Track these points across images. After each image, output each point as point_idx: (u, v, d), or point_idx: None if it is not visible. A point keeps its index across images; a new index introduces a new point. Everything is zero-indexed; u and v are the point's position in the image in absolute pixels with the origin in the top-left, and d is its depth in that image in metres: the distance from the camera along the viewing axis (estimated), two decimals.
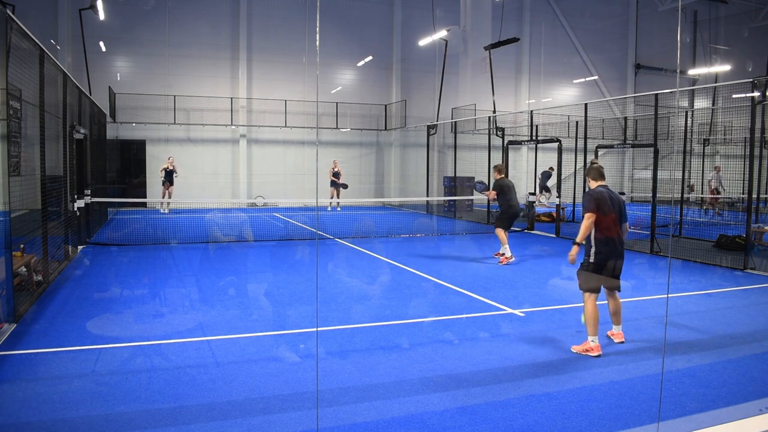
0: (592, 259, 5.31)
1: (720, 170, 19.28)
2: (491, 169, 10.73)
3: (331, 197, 20.38)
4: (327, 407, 3.99)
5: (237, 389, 4.28)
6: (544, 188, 19.97)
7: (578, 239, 5.33)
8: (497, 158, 15.81)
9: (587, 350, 5.16)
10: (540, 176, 19.35)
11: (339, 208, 20.63)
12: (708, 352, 5.34)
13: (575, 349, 5.23)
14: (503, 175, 10.32)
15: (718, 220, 17.05)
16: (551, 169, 20.15)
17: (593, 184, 5.49)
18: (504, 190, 10.04)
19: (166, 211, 18.97)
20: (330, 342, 5.44)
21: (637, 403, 4.10)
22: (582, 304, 5.38)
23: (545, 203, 18.70)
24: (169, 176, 18.38)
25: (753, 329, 6.12)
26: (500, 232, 9.94)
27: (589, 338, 5.19)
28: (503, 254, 9.90)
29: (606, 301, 5.54)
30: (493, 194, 10.27)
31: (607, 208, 5.27)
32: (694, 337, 5.76)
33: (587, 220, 5.25)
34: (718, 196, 18.98)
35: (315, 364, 4.88)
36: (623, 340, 5.45)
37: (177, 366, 4.74)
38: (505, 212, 10.04)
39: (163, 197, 18.45)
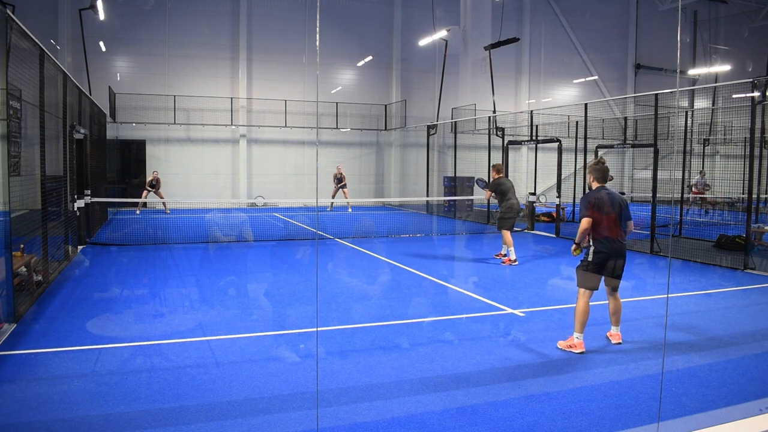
0: (590, 258, 5.34)
1: (705, 174, 19.23)
2: (490, 169, 10.70)
3: (332, 197, 20.32)
4: (327, 407, 3.99)
5: (237, 389, 4.28)
6: None
7: (577, 240, 5.40)
8: (497, 158, 15.80)
9: (570, 346, 5.22)
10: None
11: (330, 208, 20.59)
12: (708, 352, 5.34)
13: (560, 344, 5.30)
14: (501, 175, 10.29)
15: (718, 219, 17.04)
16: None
17: (594, 185, 5.50)
18: (502, 189, 10.02)
19: (167, 212, 18.97)
20: (330, 342, 5.44)
21: (637, 403, 4.10)
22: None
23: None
24: (152, 186, 18.20)
25: (753, 329, 6.12)
26: (507, 234, 9.89)
27: (575, 334, 5.24)
28: (506, 255, 9.90)
29: (606, 302, 5.56)
30: (488, 194, 10.26)
31: (606, 209, 5.32)
32: (694, 337, 5.76)
33: (584, 224, 5.32)
34: (703, 195, 18.98)
35: (315, 364, 4.88)
36: (620, 341, 5.45)
37: (177, 366, 4.74)
38: (506, 212, 10.04)
39: (143, 197, 18.27)
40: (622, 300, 5.55)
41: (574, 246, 5.43)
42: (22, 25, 6.22)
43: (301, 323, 6.18)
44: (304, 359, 5.01)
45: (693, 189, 18.98)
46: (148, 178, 18.65)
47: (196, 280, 8.28)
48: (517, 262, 9.78)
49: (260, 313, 6.58)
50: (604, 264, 5.30)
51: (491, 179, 10.38)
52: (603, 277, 5.40)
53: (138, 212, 18.81)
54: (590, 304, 5.31)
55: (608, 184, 5.57)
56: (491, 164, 10.80)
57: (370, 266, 9.70)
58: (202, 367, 4.73)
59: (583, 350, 5.19)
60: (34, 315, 6.19)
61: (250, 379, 4.47)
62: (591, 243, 5.35)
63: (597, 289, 5.35)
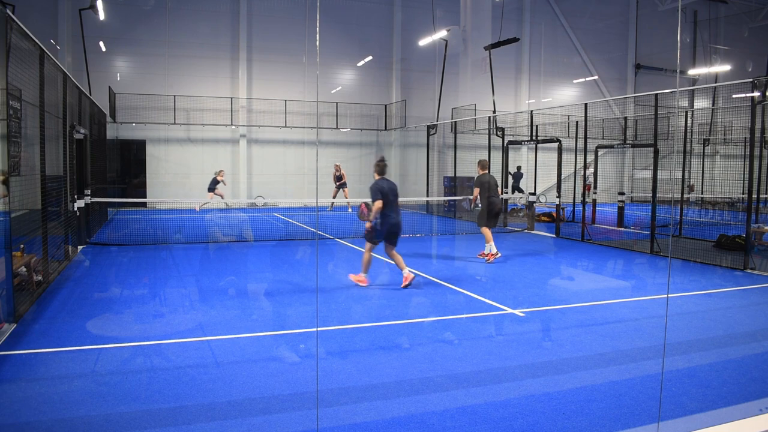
0: (378, 227, 7.60)
1: (590, 167, 18.81)
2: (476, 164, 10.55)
3: (333, 197, 20.33)
4: (327, 407, 3.99)
5: (237, 389, 4.28)
6: (517, 188, 19.97)
7: (371, 218, 7.62)
8: (497, 158, 15.82)
9: (359, 281, 7.63)
10: (512, 178, 19.30)
11: (331, 208, 20.59)
12: (708, 352, 5.34)
13: (351, 277, 7.65)
14: (486, 171, 10.27)
15: (718, 219, 17.04)
16: (519, 168, 20.35)
17: (377, 177, 7.76)
18: (485, 186, 10.00)
19: (197, 210, 19.36)
20: (330, 342, 5.44)
21: (637, 403, 4.10)
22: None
23: (520, 203, 18.91)
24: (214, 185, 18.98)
25: (753, 329, 6.12)
26: (485, 231, 10.00)
27: (362, 274, 7.65)
28: (489, 252, 9.95)
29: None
30: (476, 192, 10.17)
31: (386, 193, 7.60)
32: (694, 337, 5.76)
33: (377, 205, 7.56)
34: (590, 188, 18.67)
35: (315, 364, 4.88)
36: (410, 281, 7.62)
37: (177, 366, 4.74)
38: (486, 208, 10.01)
39: (210, 197, 19.18)
40: (622, 300, 5.58)
41: (368, 224, 7.65)
42: (22, 25, 6.22)
43: (301, 323, 6.18)
44: (304, 359, 5.01)
45: (585, 183, 18.43)
46: (218, 177, 18.86)
47: (196, 280, 8.28)
48: (499, 254, 9.85)
49: (260, 313, 6.58)
50: (385, 230, 7.63)
51: (476, 175, 10.35)
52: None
53: (198, 209, 19.22)
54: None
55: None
56: (477, 160, 10.65)
57: (370, 266, 9.68)
58: (202, 367, 4.73)
59: (367, 284, 7.56)
60: (34, 315, 6.19)
61: (250, 379, 4.47)
62: (378, 216, 7.57)
63: (377, 245, 7.69)
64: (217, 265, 9.65)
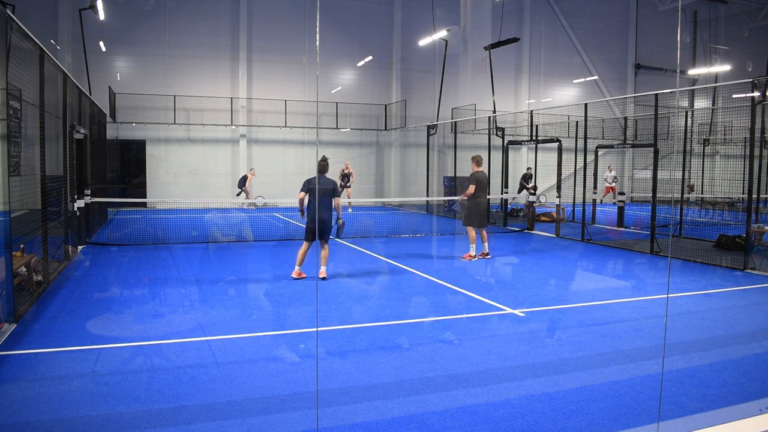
0: (306, 223, 8.14)
1: (612, 169, 20.53)
2: (471, 160, 10.31)
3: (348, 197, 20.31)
4: (327, 407, 3.99)
5: (237, 389, 4.28)
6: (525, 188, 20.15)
7: (301, 208, 8.20)
8: (497, 158, 15.82)
9: (299, 274, 8.18)
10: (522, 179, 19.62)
11: (350, 210, 20.56)
12: (708, 352, 5.34)
13: (295, 275, 8.13)
14: (481, 168, 10.18)
15: (718, 219, 17.03)
16: (528, 169, 20.73)
17: (318, 174, 8.23)
18: (480, 184, 9.94)
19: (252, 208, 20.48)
20: (330, 342, 5.44)
21: (637, 403, 4.10)
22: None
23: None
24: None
25: (753, 329, 6.12)
26: (471, 231, 9.99)
27: (297, 268, 8.20)
28: (484, 252, 9.97)
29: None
30: (472, 189, 9.91)
31: (312, 190, 7.98)
32: (694, 337, 5.76)
33: (300, 195, 8.12)
34: (614, 189, 20.27)
35: (315, 364, 4.88)
36: (325, 276, 8.13)
37: (177, 366, 4.74)
38: (473, 208, 9.96)
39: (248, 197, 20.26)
40: (622, 300, 5.57)
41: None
42: (22, 25, 6.22)
43: (301, 323, 6.18)
44: (304, 359, 5.01)
45: (605, 185, 19.79)
46: (249, 175, 20.21)
47: (196, 280, 8.28)
48: (475, 258, 9.88)
49: (260, 313, 6.58)
50: (311, 227, 8.05)
51: (471, 171, 10.25)
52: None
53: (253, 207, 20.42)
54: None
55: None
56: (471, 155, 10.44)
57: (370, 266, 9.69)
58: (202, 367, 4.73)
59: (304, 276, 8.17)
60: (34, 315, 6.18)
61: (250, 379, 4.47)
62: (306, 213, 8.10)
63: (311, 242, 8.16)
64: (217, 265, 9.65)
